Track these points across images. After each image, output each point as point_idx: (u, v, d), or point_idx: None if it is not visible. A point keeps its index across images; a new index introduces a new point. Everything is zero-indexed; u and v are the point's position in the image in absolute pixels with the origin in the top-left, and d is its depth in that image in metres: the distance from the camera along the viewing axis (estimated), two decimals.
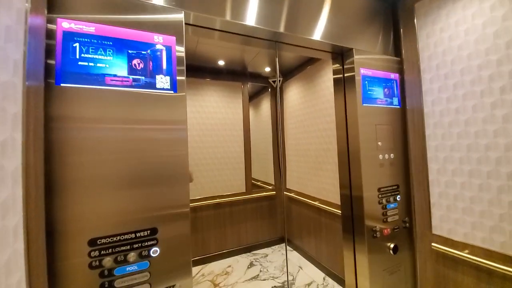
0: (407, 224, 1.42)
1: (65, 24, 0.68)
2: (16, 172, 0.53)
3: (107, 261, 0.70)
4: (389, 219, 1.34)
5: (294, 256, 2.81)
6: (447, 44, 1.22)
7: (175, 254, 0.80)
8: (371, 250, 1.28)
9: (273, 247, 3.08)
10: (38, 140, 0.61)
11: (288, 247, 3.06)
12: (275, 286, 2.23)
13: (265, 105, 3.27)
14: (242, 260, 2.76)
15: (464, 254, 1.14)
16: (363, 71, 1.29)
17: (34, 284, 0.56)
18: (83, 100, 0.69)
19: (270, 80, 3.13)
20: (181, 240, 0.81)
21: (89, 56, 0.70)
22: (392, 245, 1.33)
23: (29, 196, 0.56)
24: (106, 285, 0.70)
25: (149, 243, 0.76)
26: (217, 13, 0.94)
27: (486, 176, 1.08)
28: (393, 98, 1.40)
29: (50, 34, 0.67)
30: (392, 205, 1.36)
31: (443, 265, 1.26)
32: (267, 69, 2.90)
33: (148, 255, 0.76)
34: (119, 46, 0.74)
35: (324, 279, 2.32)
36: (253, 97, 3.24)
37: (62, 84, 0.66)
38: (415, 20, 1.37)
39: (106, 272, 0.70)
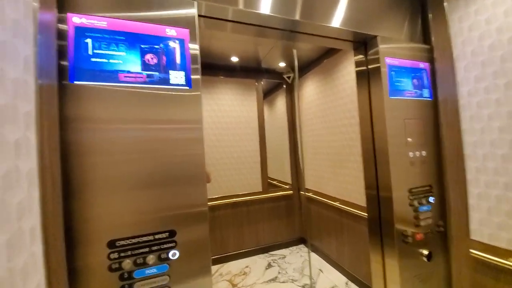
0: (442, 228, 1.29)
1: (76, 19, 0.67)
2: (31, 173, 0.51)
3: (127, 264, 0.68)
4: (422, 223, 1.22)
5: (313, 259, 2.72)
6: (484, 28, 1.09)
7: (194, 257, 0.78)
8: (402, 256, 1.18)
9: (290, 248, 3.01)
10: (53, 140, 0.59)
11: (306, 249, 2.97)
12: None
13: (280, 102, 3.20)
14: (259, 260, 2.72)
15: (508, 263, 1.01)
16: (389, 60, 1.19)
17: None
18: (97, 98, 0.67)
19: (285, 76, 3.05)
20: (200, 242, 0.78)
21: (102, 52, 0.68)
22: (426, 252, 1.21)
23: (46, 197, 0.55)
24: None
25: (168, 245, 0.74)
26: (229, 2, 0.89)
27: None
28: (423, 89, 1.28)
29: (61, 30, 0.65)
30: (424, 208, 1.24)
31: (482, 273, 1.14)
32: (282, 65, 2.82)
33: (167, 258, 0.73)
34: (132, 40, 0.71)
35: (346, 284, 2.21)
36: (267, 95, 3.18)
37: (76, 82, 0.64)
38: (444, 4, 1.24)
39: (126, 275, 0.68)
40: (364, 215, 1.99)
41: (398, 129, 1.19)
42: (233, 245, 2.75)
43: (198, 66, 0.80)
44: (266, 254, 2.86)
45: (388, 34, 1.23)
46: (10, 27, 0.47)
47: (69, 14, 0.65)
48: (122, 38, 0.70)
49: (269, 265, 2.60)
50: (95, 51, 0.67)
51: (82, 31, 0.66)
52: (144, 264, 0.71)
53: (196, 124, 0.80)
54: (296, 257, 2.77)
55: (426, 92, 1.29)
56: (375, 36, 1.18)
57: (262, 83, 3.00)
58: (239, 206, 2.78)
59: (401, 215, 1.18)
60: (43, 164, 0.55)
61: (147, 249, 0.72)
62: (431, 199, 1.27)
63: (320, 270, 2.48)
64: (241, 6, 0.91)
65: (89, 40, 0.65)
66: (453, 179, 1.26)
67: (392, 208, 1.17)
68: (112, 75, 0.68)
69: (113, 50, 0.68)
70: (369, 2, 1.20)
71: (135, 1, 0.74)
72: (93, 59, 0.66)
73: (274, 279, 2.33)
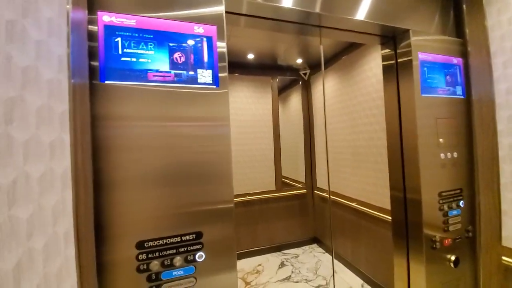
0: (470, 234, 1.22)
1: (106, 18, 0.65)
2: (65, 175, 0.51)
3: (155, 265, 0.68)
4: (451, 228, 1.16)
5: (327, 259, 2.69)
6: None
7: (220, 256, 0.76)
8: (428, 261, 1.13)
9: (303, 247, 2.98)
10: (85, 140, 0.58)
11: (320, 249, 2.93)
12: None
13: (295, 99, 3.14)
14: (272, 259, 2.71)
15: None
16: (421, 55, 1.12)
17: None
18: (127, 97, 0.66)
19: (301, 73, 2.99)
20: (226, 241, 0.77)
21: (131, 51, 0.66)
22: (453, 258, 1.16)
23: (78, 199, 0.54)
24: None
25: (195, 247, 0.73)
26: None
27: None
28: (456, 86, 1.20)
29: (91, 29, 0.64)
30: (454, 212, 1.17)
31: None
32: (299, 61, 2.76)
33: (194, 260, 0.72)
34: (160, 39, 0.69)
35: (362, 286, 2.17)
36: (282, 91, 3.13)
37: (106, 82, 0.63)
38: None
39: (153, 276, 0.68)
40: (383, 217, 1.92)
41: (429, 128, 1.13)
42: (246, 243, 2.76)
43: (226, 64, 0.78)
44: (279, 253, 2.85)
45: (419, 27, 1.16)
46: (45, 26, 0.46)
47: (99, 13, 0.63)
48: (150, 36, 0.68)
49: (282, 264, 2.59)
50: (125, 50, 0.65)
51: (112, 30, 0.64)
52: (171, 266, 0.70)
53: (223, 122, 0.78)
54: (309, 256, 2.75)
55: (459, 90, 1.21)
56: (407, 30, 1.11)
57: (277, 80, 2.95)
58: (252, 204, 2.77)
59: (429, 219, 1.13)
60: (76, 164, 0.54)
61: (174, 251, 0.71)
62: (461, 203, 1.20)
63: (335, 271, 2.44)
64: None
65: (119, 39, 0.64)
66: (485, 182, 1.19)
67: (421, 212, 1.11)
68: (141, 74, 0.67)
69: (142, 49, 0.67)
70: None
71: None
72: (123, 58, 0.65)
73: (287, 279, 2.32)
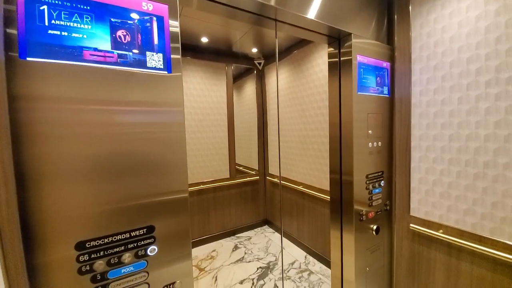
0: (388, 207, 1.52)
1: None
2: None
3: (99, 265, 0.63)
4: (374, 203, 1.42)
5: (276, 238, 2.92)
6: (440, 36, 1.24)
7: (174, 247, 0.75)
8: (357, 231, 1.36)
9: (255, 229, 3.15)
10: (3, 127, 0.48)
11: (270, 229, 3.16)
12: (260, 267, 2.30)
13: (249, 88, 3.16)
14: (226, 244, 2.79)
15: (439, 234, 1.25)
16: (359, 58, 1.27)
17: None
18: (57, 77, 0.56)
19: (256, 62, 3.00)
20: (180, 231, 0.76)
21: (62, 23, 0.56)
22: (375, 227, 1.42)
23: None
24: None
25: (146, 241, 0.70)
26: None
27: (464, 164, 1.17)
28: (384, 87, 1.42)
29: None
30: (377, 190, 1.43)
31: (418, 243, 1.39)
32: (254, 50, 2.76)
33: (145, 254, 0.70)
34: (99, 12, 0.60)
35: (305, 257, 2.46)
36: (237, 79, 3.10)
37: (28, 58, 0.52)
38: (410, 7, 1.36)
39: (98, 277, 0.63)
40: (323, 197, 2.19)
41: (362, 122, 1.32)
42: (199, 231, 2.75)
43: (179, 45, 0.73)
44: (233, 237, 2.95)
45: (359, 31, 1.30)
46: None
47: None
48: (86, 7, 0.58)
49: (236, 247, 2.70)
50: (53, 21, 0.54)
51: None
52: (119, 264, 0.66)
53: (176, 107, 0.74)
54: (261, 237, 2.93)
55: (386, 89, 1.43)
56: (350, 33, 1.24)
57: (232, 67, 2.89)
58: (205, 192, 2.76)
59: (359, 197, 1.35)
60: None
61: (122, 248, 0.67)
62: (382, 183, 1.47)
63: (283, 247, 2.68)
64: None
65: (45, 7, 0.53)
66: (400, 166, 1.47)
67: (352, 191, 1.32)
68: (75, 51, 0.57)
69: (76, 22, 0.57)
70: None
71: None
72: (50, 31, 0.54)
73: (240, 260, 2.44)
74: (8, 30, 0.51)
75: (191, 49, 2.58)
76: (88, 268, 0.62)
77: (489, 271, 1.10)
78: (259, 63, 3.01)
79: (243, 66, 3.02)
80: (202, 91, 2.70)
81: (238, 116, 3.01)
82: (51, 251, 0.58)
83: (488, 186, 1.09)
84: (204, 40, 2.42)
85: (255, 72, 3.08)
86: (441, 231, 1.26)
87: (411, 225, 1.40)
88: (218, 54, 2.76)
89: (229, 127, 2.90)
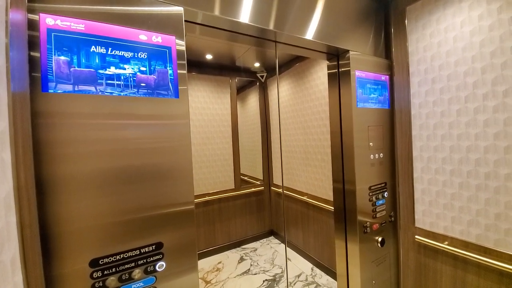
0: (392, 219, 1.52)
1: (49, 21, 0.60)
2: (8, 198, 0.47)
3: (111, 281, 0.66)
4: (378, 215, 1.42)
5: (282, 249, 2.90)
6: (436, 50, 1.28)
7: (181, 263, 0.78)
8: (361, 243, 1.36)
9: (261, 240, 3.14)
10: (28, 157, 0.54)
11: (276, 240, 3.14)
12: (266, 280, 2.29)
13: (253, 99, 3.23)
14: (232, 255, 2.79)
15: (444, 245, 1.25)
16: (358, 73, 1.32)
17: None
18: (75, 106, 0.62)
19: (258, 75, 3.08)
20: (187, 244, 0.79)
21: (81, 59, 0.62)
22: (380, 239, 1.42)
23: (24, 222, 0.50)
24: None
25: (155, 257, 0.73)
26: (206, 8, 0.88)
27: (466, 176, 1.18)
28: (383, 99, 1.45)
29: (32, 33, 0.58)
30: (380, 202, 1.44)
31: (424, 255, 1.38)
32: (256, 65, 2.84)
33: (154, 270, 0.73)
34: (114, 47, 0.67)
35: (312, 269, 2.43)
36: (240, 91, 3.18)
37: (50, 91, 0.59)
38: (406, 22, 1.41)
39: None
40: (327, 207, 2.19)
41: (362, 133, 1.35)
42: (205, 243, 2.76)
43: (185, 71, 0.79)
44: (238, 248, 2.95)
45: (357, 48, 1.35)
46: None
47: (41, 15, 0.57)
48: (102, 42, 0.65)
49: (242, 259, 2.69)
50: (73, 57, 0.61)
51: (57, 35, 0.59)
52: (130, 279, 0.70)
53: (182, 120, 0.79)
54: (267, 248, 2.92)
55: (385, 102, 1.46)
56: (347, 50, 1.29)
57: (235, 80, 2.98)
58: (211, 204, 2.78)
59: (362, 208, 1.36)
60: (19, 185, 0.50)
61: (132, 264, 0.70)
62: (386, 194, 1.47)
63: (289, 259, 2.66)
64: (217, 12, 0.91)
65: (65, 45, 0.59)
66: (403, 177, 1.48)
67: (355, 200, 1.33)
68: (95, 82, 0.63)
69: (93, 57, 0.63)
70: (340, 17, 1.29)
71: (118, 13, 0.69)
72: (73, 68, 0.60)
73: (246, 272, 2.43)
74: (33, 70, 0.57)
75: (196, 65, 2.68)
76: (101, 284, 0.65)
77: (494, 283, 1.09)
78: (262, 76, 3.09)
79: (246, 79, 3.10)
80: (206, 104, 2.78)
81: (242, 126, 3.07)
82: (68, 268, 0.62)
83: (491, 197, 1.10)
84: (209, 57, 2.51)
85: (258, 84, 3.15)
86: (446, 242, 1.26)
87: (416, 236, 1.40)
88: (222, 68, 2.85)
89: (233, 138, 2.96)
